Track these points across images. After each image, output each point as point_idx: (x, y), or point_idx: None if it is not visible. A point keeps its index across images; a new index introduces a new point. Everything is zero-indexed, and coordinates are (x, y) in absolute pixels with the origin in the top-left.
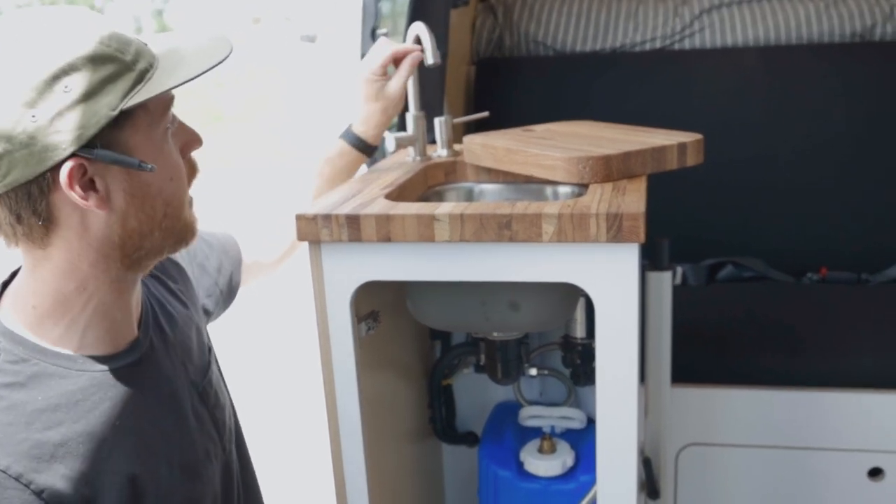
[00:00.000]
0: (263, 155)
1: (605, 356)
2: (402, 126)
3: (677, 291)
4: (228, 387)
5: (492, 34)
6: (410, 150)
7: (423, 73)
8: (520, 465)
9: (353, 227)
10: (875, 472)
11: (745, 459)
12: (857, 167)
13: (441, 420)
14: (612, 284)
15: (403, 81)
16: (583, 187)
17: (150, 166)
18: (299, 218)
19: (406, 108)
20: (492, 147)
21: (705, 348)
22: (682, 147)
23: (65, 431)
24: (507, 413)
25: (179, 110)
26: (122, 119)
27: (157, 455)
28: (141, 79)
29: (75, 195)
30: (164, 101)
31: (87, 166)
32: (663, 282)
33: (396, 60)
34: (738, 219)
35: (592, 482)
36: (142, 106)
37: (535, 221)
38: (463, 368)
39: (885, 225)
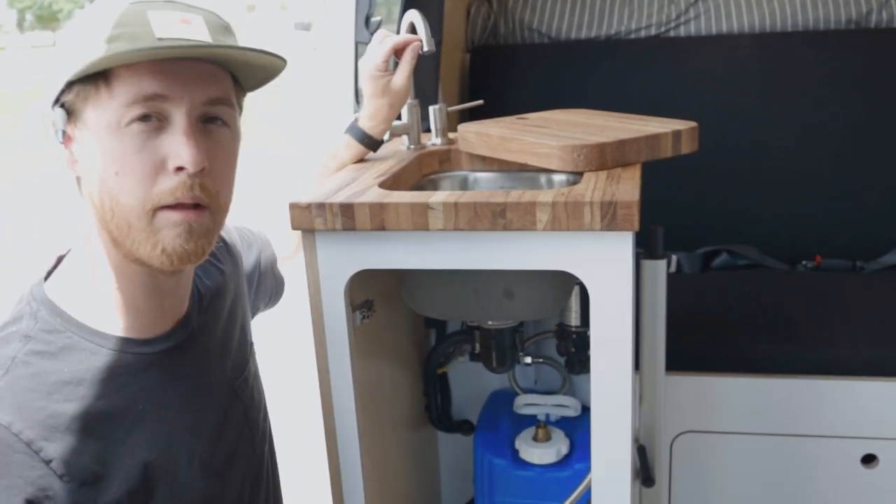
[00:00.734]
0: (260, 143)
1: (600, 344)
2: (398, 116)
3: (672, 279)
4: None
5: (486, 21)
6: (405, 138)
7: (418, 62)
8: (515, 452)
9: (347, 216)
10: (868, 459)
11: (739, 447)
12: (851, 154)
13: (436, 408)
14: (607, 273)
15: (408, 74)
16: (577, 175)
17: (61, 137)
18: (293, 207)
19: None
20: (486, 135)
21: (700, 336)
22: (676, 135)
23: (84, 406)
24: (502, 401)
25: None
26: (85, 91)
27: (177, 447)
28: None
29: (58, 136)
30: (134, 91)
31: (53, 119)
32: (658, 270)
33: (397, 52)
34: (732, 207)
35: (587, 470)
36: (105, 84)
37: (530, 210)
38: (458, 357)
39: (880, 212)
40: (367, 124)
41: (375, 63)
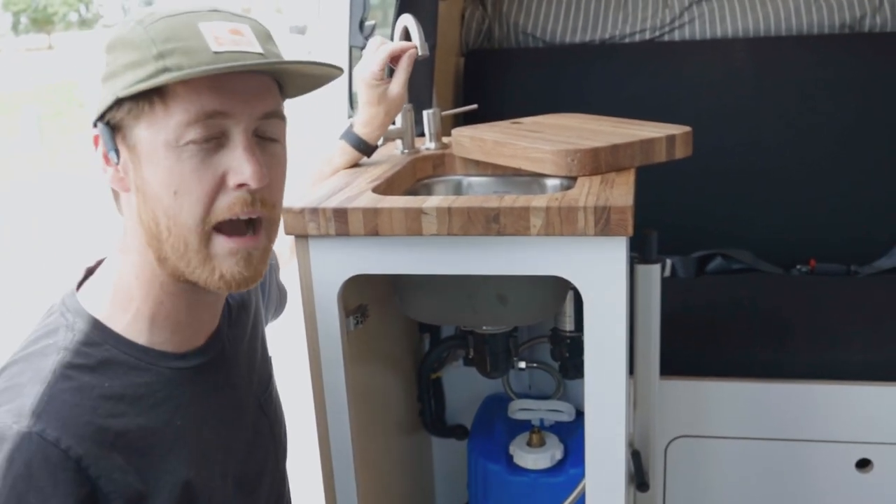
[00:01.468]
0: None
1: (594, 349)
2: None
3: (666, 284)
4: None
5: (481, 25)
6: (399, 142)
7: (412, 67)
8: (509, 458)
9: (340, 221)
10: (863, 464)
11: (734, 451)
12: (846, 159)
13: (430, 413)
14: (601, 277)
15: (403, 83)
16: (571, 180)
17: (116, 159)
18: (287, 211)
19: None
20: (480, 140)
21: (694, 340)
22: (670, 139)
23: (127, 422)
24: (496, 406)
25: None
26: (138, 110)
27: (213, 464)
28: (157, 74)
29: (102, 157)
30: (194, 110)
31: (100, 139)
32: (652, 274)
33: (393, 59)
34: (726, 211)
35: (581, 475)
36: (162, 103)
37: (523, 215)
38: (452, 362)
39: (874, 216)
40: (362, 130)
41: (372, 71)
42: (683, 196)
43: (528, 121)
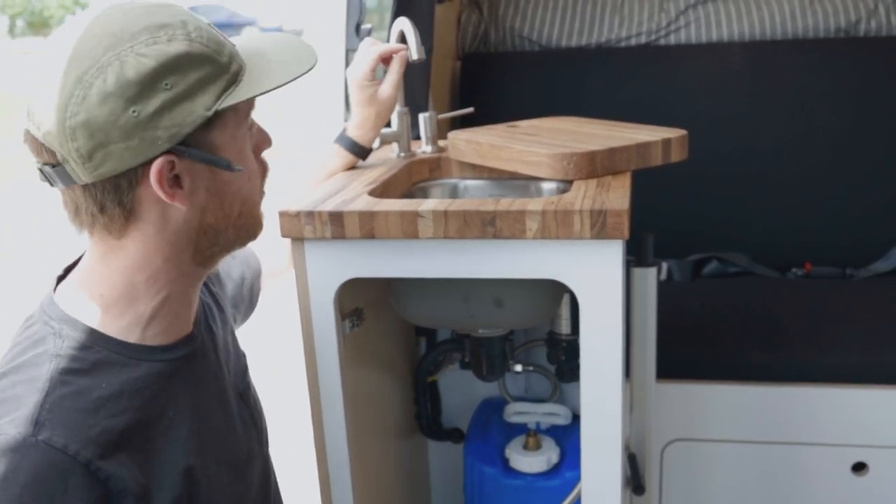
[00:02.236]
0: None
1: (590, 352)
2: (388, 123)
3: (662, 287)
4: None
5: (477, 29)
6: (395, 146)
7: (408, 69)
8: (505, 461)
9: (336, 224)
10: (859, 467)
11: (730, 455)
12: (841, 162)
13: (426, 416)
14: (597, 281)
15: (395, 84)
16: (567, 184)
17: (238, 167)
18: (282, 215)
19: None
20: (476, 143)
21: (690, 344)
22: (666, 143)
23: (128, 419)
24: (492, 409)
25: None
26: (214, 119)
27: (207, 450)
28: (234, 81)
29: (162, 191)
30: (250, 104)
31: (177, 163)
32: (648, 278)
33: (385, 60)
34: (722, 214)
35: (577, 478)
36: (232, 108)
37: (519, 218)
38: (448, 365)
39: (870, 220)
40: (356, 133)
41: (362, 71)
42: (679, 199)
43: (524, 124)
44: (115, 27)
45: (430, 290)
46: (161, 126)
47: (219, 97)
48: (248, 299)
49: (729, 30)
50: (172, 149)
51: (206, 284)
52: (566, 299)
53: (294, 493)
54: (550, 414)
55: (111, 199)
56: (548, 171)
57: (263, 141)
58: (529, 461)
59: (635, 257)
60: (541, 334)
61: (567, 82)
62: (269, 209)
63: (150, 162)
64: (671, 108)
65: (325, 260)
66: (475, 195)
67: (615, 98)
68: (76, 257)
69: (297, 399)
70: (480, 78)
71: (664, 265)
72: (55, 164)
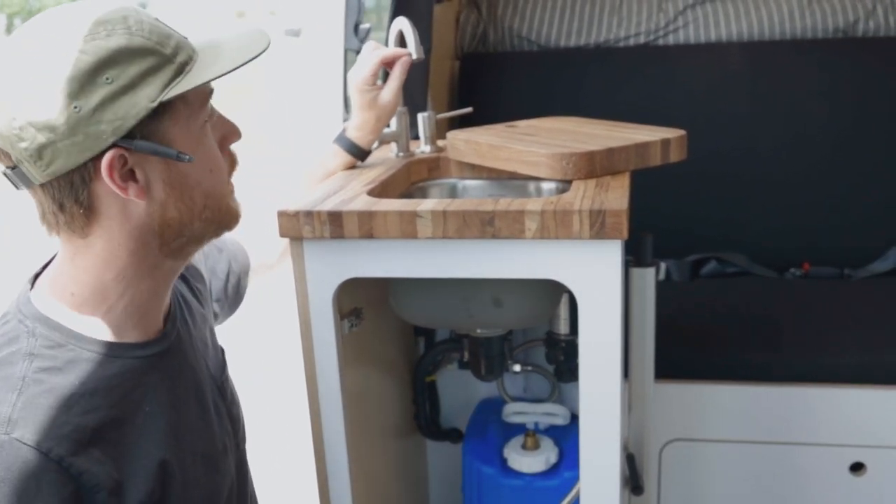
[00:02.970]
0: (250, 150)
1: (589, 352)
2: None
3: (661, 287)
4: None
5: (476, 29)
6: (394, 145)
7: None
8: (503, 461)
9: (335, 224)
10: (857, 467)
11: (728, 455)
12: (840, 163)
13: (425, 416)
14: (596, 281)
15: (396, 90)
16: (566, 184)
17: (187, 157)
18: (281, 214)
19: None
20: (475, 143)
21: (689, 344)
22: (665, 143)
23: (101, 416)
24: (490, 409)
25: None
26: (162, 111)
27: (183, 444)
28: (180, 71)
29: (114, 185)
30: (203, 93)
31: (128, 157)
32: (647, 278)
33: (387, 64)
34: (721, 214)
35: (576, 478)
36: (181, 98)
37: (518, 218)
38: (447, 365)
39: (868, 220)
40: (355, 135)
41: (363, 76)
42: (678, 200)
43: (522, 124)
44: (56, 28)
45: (429, 290)
46: (104, 120)
47: (164, 88)
48: (232, 295)
49: (728, 30)
50: (119, 142)
51: (185, 279)
52: (565, 299)
53: (293, 492)
54: (549, 414)
55: (68, 197)
56: (547, 171)
57: (230, 133)
58: (528, 461)
59: (634, 257)
60: (539, 334)
61: (566, 82)
62: (269, 209)
63: (99, 156)
64: (670, 109)
65: (324, 260)
66: (474, 195)
67: (614, 98)
68: (52, 255)
69: (295, 398)
70: (479, 78)
71: (663, 265)
72: (13, 167)
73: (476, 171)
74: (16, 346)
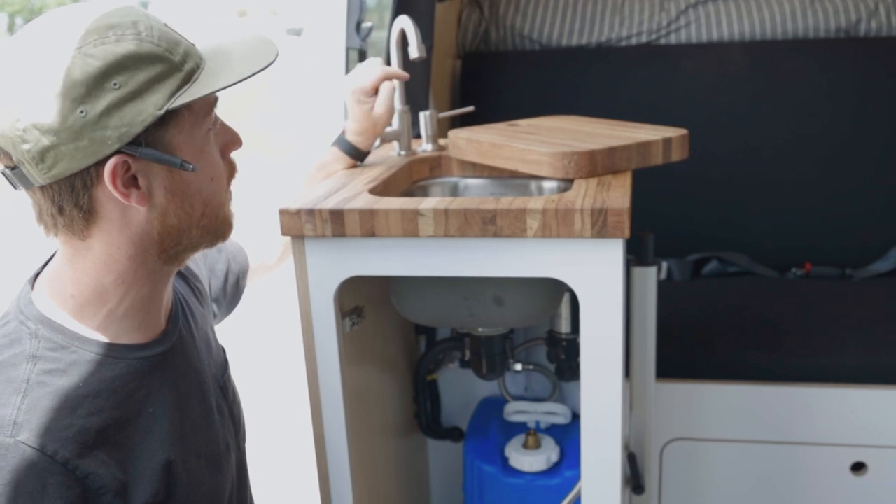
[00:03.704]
0: (252, 150)
1: (590, 351)
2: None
3: (662, 286)
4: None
5: (477, 28)
6: (395, 144)
7: (409, 68)
8: (504, 460)
9: (336, 222)
10: (858, 467)
11: (729, 454)
12: (841, 162)
13: (426, 415)
14: (597, 280)
15: (387, 106)
16: (568, 182)
17: (191, 166)
18: (283, 212)
19: None
20: (477, 142)
21: (690, 343)
22: (666, 142)
23: (105, 418)
24: (492, 408)
25: None
26: (168, 118)
27: (188, 444)
28: (188, 79)
29: (116, 191)
30: (209, 102)
31: (131, 163)
32: (648, 277)
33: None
34: (722, 214)
35: (577, 477)
36: (186, 106)
37: (520, 216)
38: (448, 363)
39: (869, 220)
40: (354, 138)
41: (363, 87)
42: (679, 199)
43: (524, 123)
44: (64, 30)
45: (431, 289)
46: (110, 126)
47: (171, 96)
48: (230, 295)
49: (729, 30)
50: (124, 149)
51: (185, 279)
52: (566, 298)
53: (293, 491)
54: (550, 413)
55: (68, 200)
56: (548, 169)
57: (232, 141)
58: (529, 460)
59: (635, 256)
60: (541, 333)
61: (567, 82)
62: (269, 208)
63: (102, 162)
64: (671, 108)
65: (326, 258)
66: (476, 194)
67: (615, 97)
68: (52, 254)
69: (296, 397)
70: (480, 77)
71: (664, 264)
72: (13, 167)
73: (478, 169)
74: (18, 348)
